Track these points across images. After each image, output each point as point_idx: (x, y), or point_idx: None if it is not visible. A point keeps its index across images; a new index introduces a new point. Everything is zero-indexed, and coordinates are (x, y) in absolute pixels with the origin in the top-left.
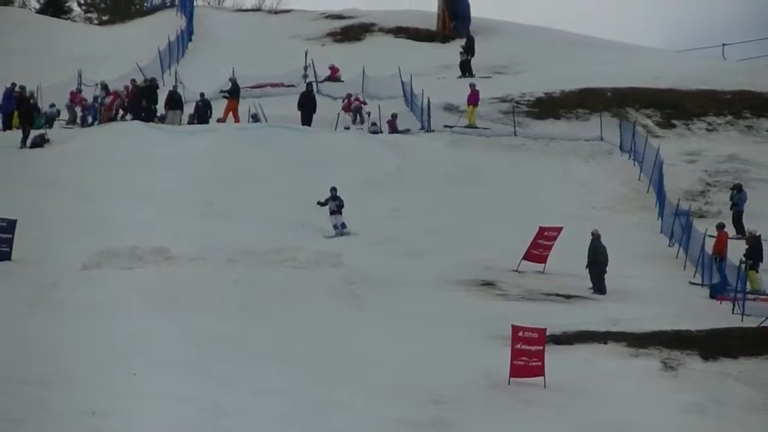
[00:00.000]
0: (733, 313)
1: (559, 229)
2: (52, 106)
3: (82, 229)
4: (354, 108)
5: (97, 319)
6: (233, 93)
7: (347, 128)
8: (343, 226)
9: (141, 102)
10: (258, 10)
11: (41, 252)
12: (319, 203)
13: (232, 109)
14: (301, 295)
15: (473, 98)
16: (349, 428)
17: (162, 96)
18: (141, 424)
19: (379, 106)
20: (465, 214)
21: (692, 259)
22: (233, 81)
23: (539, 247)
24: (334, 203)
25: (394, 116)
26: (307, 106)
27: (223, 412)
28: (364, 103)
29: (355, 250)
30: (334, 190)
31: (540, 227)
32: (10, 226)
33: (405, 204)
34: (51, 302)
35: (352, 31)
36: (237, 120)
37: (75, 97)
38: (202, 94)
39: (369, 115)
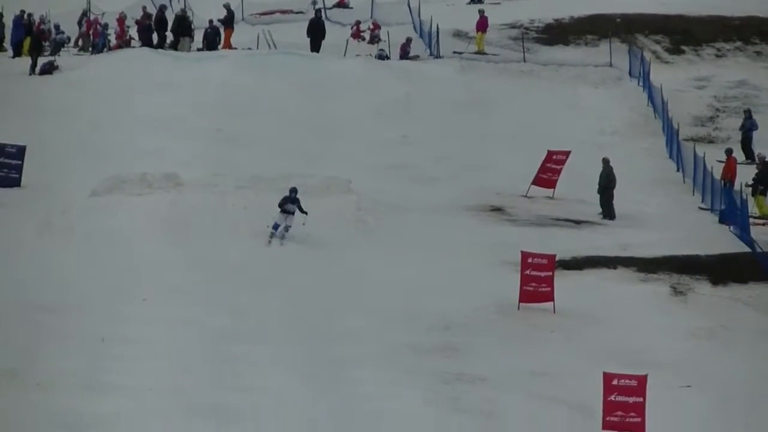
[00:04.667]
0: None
1: (567, 153)
2: (61, 32)
3: (92, 156)
4: (372, 36)
5: (107, 246)
6: (227, 21)
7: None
8: (286, 229)
9: (151, 29)
10: None
11: (51, 179)
12: (279, 204)
13: (228, 36)
14: (310, 222)
15: (482, 24)
16: (358, 355)
17: (171, 21)
18: (149, 349)
19: (387, 32)
20: (474, 141)
21: (700, 185)
22: (227, 7)
23: (548, 172)
24: (291, 206)
25: (409, 40)
26: (315, 32)
27: (231, 338)
28: (378, 28)
29: (365, 177)
30: (293, 192)
31: (548, 151)
32: (20, 152)
33: (414, 131)
34: (61, 229)
35: None
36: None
37: (88, 25)
38: (210, 21)
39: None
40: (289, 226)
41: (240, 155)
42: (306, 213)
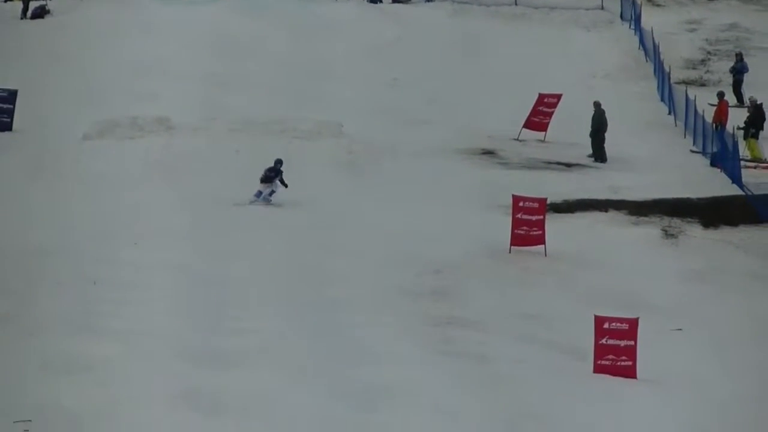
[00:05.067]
0: (732, 183)
1: (558, 96)
2: None
3: (84, 100)
4: None
5: (99, 189)
6: None
7: None
8: (270, 194)
9: None
10: None
11: (43, 122)
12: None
13: None
14: (301, 165)
15: None
16: (350, 298)
17: None
18: (142, 292)
19: None
20: (465, 84)
21: (691, 128)
22: None
23: (539, 114)
24: (270, 174)
25: None
26: None
27: (223, 281)
28: None
29: (356, 120)
30: (279, 163)
31: (540, 94)
32: (11, 96)
33: (405, 74)
34: (52, 173)
35: None
36: None
37: None
38: None
39: None
40: (274, 191)
41: (232, 99)
42: (286, 186)
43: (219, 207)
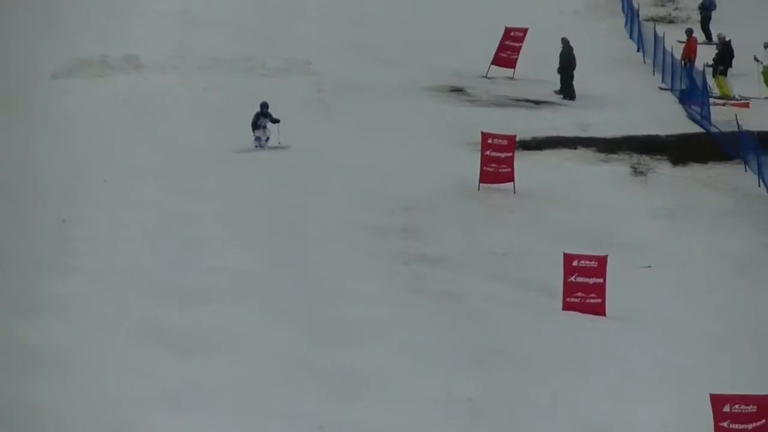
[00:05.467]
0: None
1: (525, 30)
2: None
3: (52, 38)
4: None
5: (68, 128)
6: None
7: None
8: (267, 140)
9: None
10: None
11: (10, 61)
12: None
13: None
14: (270, 103)
15: None
16: (319, 236)
17: None
18: (111, 231)
19: None
20: (434, 21)
21: (660, 65)
22: None
23: (507, 50)
24: (264, 120)
25: None
26: None
27: (192, 219)
28: None
29: (325, 58)
30: (264, 106)
31: (506, 28)
32: None
33: (373, 11)
34: (21, 111)
35: None
36: None
37: None
38: None
39: None
40: (268, 137)
41: (200, 37)
42: (278, 121)
43: (188, 145)
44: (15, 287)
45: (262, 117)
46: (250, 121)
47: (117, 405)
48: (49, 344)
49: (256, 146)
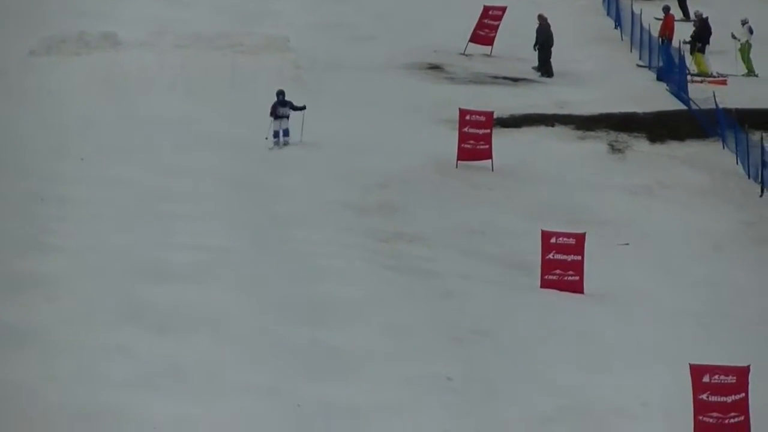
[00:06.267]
0: (677, 95)
1: (503, 9)
2: None
3: (29, 16)
4: None
5: (45, 106)
6: None
7: None
8: (286, 133)
9: None
10: None
11: None
12: (271, 112)
13: None
14: (248, 80)
15: None
16: (296, 213)
17: None
18: (89, 209)
19: None
20: None
21: (638, 42)
22: None
23: (485, 28)
24: (282, 109)
25: None
26: None
27: (170, 197)
28: None
29: (303, 36)
30: (281, 94)
31: (484, 6)
32: None
33: None
34: None
35: None
36: None
37: None
38: None
39: None
40: (287, 129)
41: (178, 14)
42: (304, 108)
43: (165, 122)
44: None
45: (280, 106)
46: (269, 112)
47: (95, 383)
48: (27, 322)
49: (274, 143)
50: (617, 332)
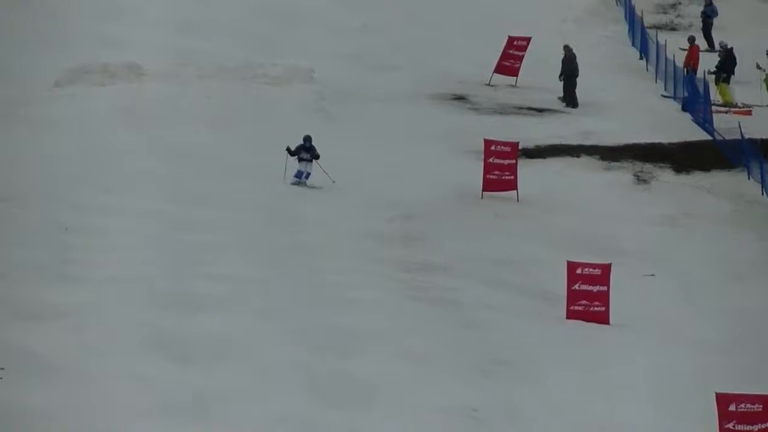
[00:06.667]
0: (702, 126)
1: (528, 39)
2: None
3: (54, 46)
4: None
5: (70, 136)
6: None
7: None
8: (307, 176)
9: None
10: None
11: (13, 69)
12: (290, 151)
13: None
14: (272, 111)
15: None
16: (319, 243)
17: None
18: (113, 239)
19: None
20: (435, 29)
21: (663, 72)
22: None
23: (510, 58)
24: (306, 154)
25: None
26: None
27: (194, 227)
28: None
29: (327, 66)
30: (307, 140)
31: (509, 36)
32: None
33: (374, 19)
34: (24, 119)
35: None
36: None
37: None
38: None
39: None
40: (309, 173)
41: (202, 45)
42: (318, 157)
43: (189, 153)
44: (16, 294)
45: (304, 151)
46: (289, 151)
47: (118, 413)
48: (51, 351)
49: (295, 181)
50: (643, 362)
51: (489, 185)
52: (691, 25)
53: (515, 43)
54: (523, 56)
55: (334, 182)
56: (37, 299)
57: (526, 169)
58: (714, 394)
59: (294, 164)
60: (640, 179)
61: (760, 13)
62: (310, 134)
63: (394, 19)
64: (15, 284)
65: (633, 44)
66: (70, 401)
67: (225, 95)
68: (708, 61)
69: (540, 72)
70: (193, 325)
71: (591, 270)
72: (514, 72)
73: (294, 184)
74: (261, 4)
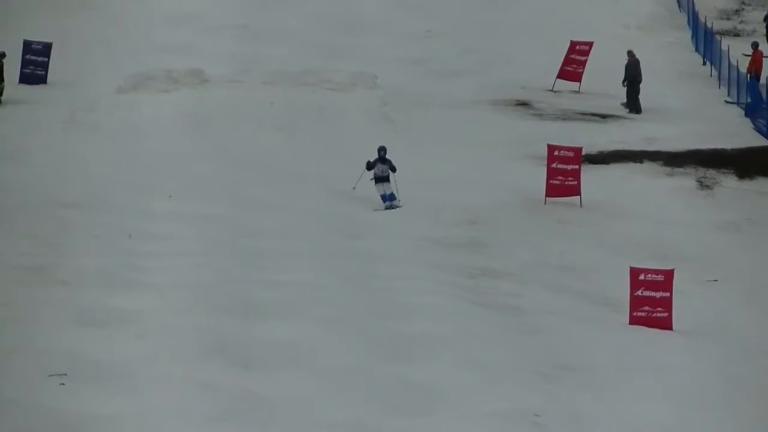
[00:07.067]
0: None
1: (590, 44)
2: None
3: (117, 52)
4: None
5: (133, 142)
6: None
7: None
8: (392, 197)
9: None
10: None
11: (77, 75)
12: (368, 165)
13: None
14: (335, 117)
15: None
16: (384, 249)
17: None
18: (176, 245)
19: None
20: (498, 34)
21: (726, 78)
22: None
23: (573, 63)
24: (382, 167)
25: None
26: None
27: (257, 233)
28: None
29: (390, 72)
30: (382, 150)
31: (571, 41)
32: (46, 49)
33: (438, 25)
34: (87, 125)
35: None
36: None
37: None
38: None
39: None
40: (392, 193)
41: (265, 51)
42: (395, 170)
43: (253, 159)
44: (82, 301)
45: (380, 163)
46: (368, 165)
47: (182, 419)
48: (115, 358)
49: (387, 205)
50: (705, 368)
51: (552, 191)
52: (754, 31)
53: (578, 48)
54: (585, 61)
55: (399, 200)
56: (100, 306)
57: (589, 175)
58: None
59: (368, 174)
60: (703, 185)
61: None
62: (384, 145)
63: (457, 25)
64: (78, 291)
65: (696, 50)
66: (134, 408)
67: (288, 101)
68: None
69: (603, 78)
70: (256, 332)
71: (654, 276)
72: (577, 77)
73: (387, 208)
74: (324, 10)
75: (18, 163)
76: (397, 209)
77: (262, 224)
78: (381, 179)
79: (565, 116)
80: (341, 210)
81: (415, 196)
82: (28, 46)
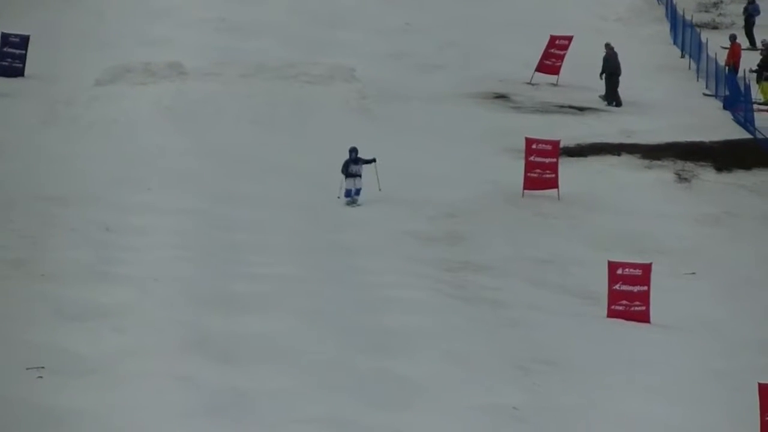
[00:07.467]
0: (743, 124)
1: (570, 38)
2: None
3: (96, 45)
4: None
5: (111, 135)
6: None
7: None
8: (357, 193)
9: None
10: None
11: (55, 68)
12: (343, 169)
13: None
14: (314, 110)
15: None
16: (362, 243)
17: None
18: (153, 238)
19: None
20: (477, 28)
21: (704, 71)
22: None
23: (551, 57)
24: (355, 167)
25: None
26: None
27: (236, 226)
28: None
29: (369, 65)
30: (353, 152)
31: (551, 36)
32: (23, 41)
33: (417, 18)
34: (65, 119)
35: None
36: None
37: None
38: None
39: None
40: (359, 188)
41: (244, 44)
42: (374, 160)
43: (231, 152)
44: (60, 295)
45: (353, 164)
46: (342, 171)
47: (160, 413)
48: (93, 352)
49: (348, 201)
50: (684, 361)
51: (530, 184)
52: (732, 24)
53: (557, 42)
54: (564, 55)
55: (380, 190)
56: (78, 299)
57: (568, 168)
58: (756, 389)
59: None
60: (681, 178)
61: None
62: (355, 146)
63: (436, 18)
64: (56, 284)
65: (675, 43)
66: (113, 402)
67: (266, 94)
68: (750, 60)
69: (581, 71)
70: (235, 325)
71: (632, 270)
72: (555, 71)
73: (349, 204)
74: (303, 3)
75: None
76: (381, 203)
77: (241, 217)
78: (353, 175)
79: (544, 109)
80: (320, 203)
81: (394, 190)
82: (5, 38)
